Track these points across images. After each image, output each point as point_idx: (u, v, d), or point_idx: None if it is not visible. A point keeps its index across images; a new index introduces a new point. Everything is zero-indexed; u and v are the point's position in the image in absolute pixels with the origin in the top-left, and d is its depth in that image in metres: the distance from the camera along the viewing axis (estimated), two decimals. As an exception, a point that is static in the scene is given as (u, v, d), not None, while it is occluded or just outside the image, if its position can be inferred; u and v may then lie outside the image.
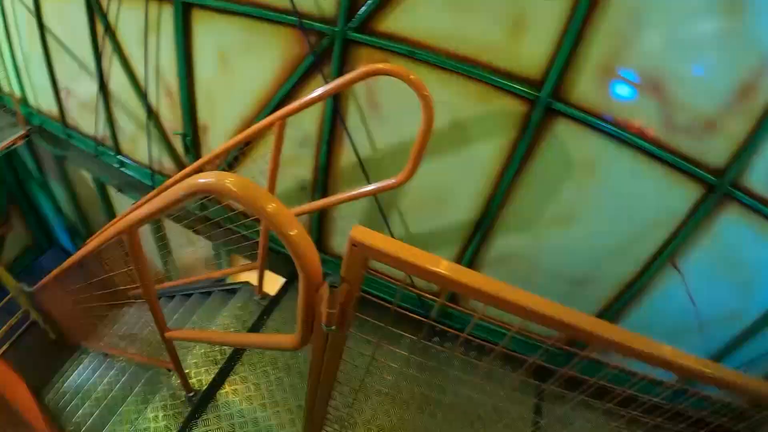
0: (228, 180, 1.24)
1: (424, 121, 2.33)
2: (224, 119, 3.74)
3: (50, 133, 6.12)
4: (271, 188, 3.08)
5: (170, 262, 5.70)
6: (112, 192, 5.69)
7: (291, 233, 1.18)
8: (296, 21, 2.92)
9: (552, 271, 3.20)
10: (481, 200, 3.06)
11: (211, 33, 3.40)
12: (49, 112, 5.99)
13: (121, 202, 5.84)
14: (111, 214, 6.16)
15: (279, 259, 4.05)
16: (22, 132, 6.29)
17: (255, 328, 3.68)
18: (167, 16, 3.54)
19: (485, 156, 2.88)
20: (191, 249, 4.97)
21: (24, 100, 6.42)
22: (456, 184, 3.10)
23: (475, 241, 3.23)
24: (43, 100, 5.95)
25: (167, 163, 4.46)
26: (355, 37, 2.83)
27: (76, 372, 6.28)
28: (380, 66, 2.36)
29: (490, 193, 3.01)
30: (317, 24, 2.91)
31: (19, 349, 8.48)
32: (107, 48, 4.24)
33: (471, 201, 3.10)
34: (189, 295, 5.18)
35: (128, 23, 3.87)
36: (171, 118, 4.09)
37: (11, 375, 6.58)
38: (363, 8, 2.73)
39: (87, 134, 5.41)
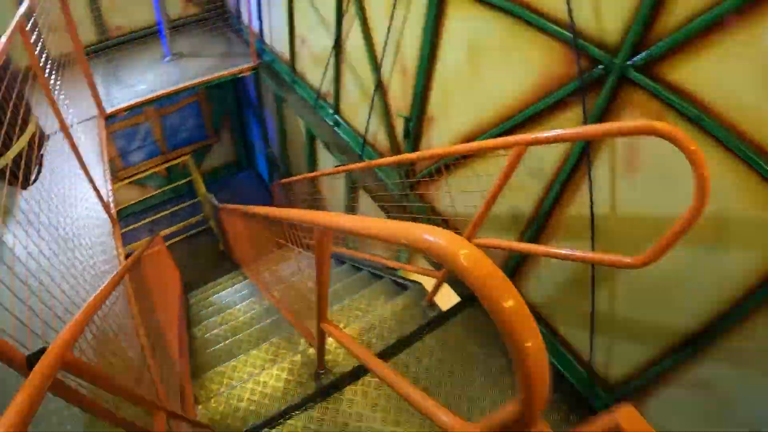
0: (462, 252, 0.91)
1: (694, 207, 1.84)
2: (455, 117, 3.39)
3: (277, 73, 6.33)
4: (483, 214, 2.77)
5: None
6: (319, 145, 5.74)
7: (527, 344, 0.84)
8: (570, 38, 2.42)
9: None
10: (713, 312, 2.34)
11: (467, 22, 3.02)
12: (280, 54, 6.17)
13: (324, 157, 5.89)
14: (312, 163, 6.29)
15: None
16: (251, 64, 6.60)
17: (409, 339, 3.41)
18: (421, -9, 3.24)
19: (742, 265, 2.16)
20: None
21: (260, 36, 6.71)
22: (692, 282, 2.40)
23: (680, 355, 2.52)
24: (277, 41, 6.14)
25: (381, 139, 4.29)
26: (634, 77, 2.25)
27: (226, 291, 6.64)
28: (661, 126, 1.81)
29: (727, 309, 2.28)
30: (593, 48, 2.38)
31: (190, 246, 9.49)
32: (351, 8, 4.07)
33: (700, 308, 2.39)
34: (359, 269, 5.11)
35: (379, -10, 3.68)
36: (399, 96, 3.84)
37: (170, 262, 7.28)
38: (654, 47, 2.13)
39: (311, 85, 5.46)
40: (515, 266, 3.32)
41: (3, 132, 2.07)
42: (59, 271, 2.57)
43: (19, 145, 2.75)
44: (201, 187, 8.03)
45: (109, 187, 4.46)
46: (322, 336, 2.81)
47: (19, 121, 2.69)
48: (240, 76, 6.72)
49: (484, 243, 2.88)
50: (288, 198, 7.42)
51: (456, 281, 3.85)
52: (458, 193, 3.32)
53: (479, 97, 3.12)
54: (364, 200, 4.84)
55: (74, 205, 3.41)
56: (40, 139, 3.03)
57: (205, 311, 6.07)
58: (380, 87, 4.00)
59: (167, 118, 9.36)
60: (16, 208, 1.85)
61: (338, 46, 4.50)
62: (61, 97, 4.11)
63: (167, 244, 9.34)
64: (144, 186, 10.04)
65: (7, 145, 2.68)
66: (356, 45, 4.22)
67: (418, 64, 3.48)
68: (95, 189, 3.69)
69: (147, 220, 9.41)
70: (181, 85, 6.39)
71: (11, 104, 2.31)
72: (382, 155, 4.39)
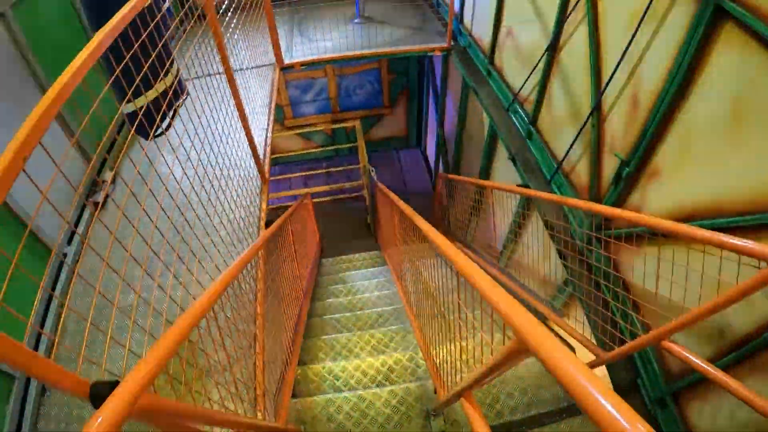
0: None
1: None
2: (688, 181, 2.53)
3: (470, 60, 5.72)
4: (692, 321, 2.06)
5: (511, 245, 4.98)
6: (501, 151, 5.07)
7: None
8: None
9: None
10: None
11: (739, 66, 2.12)
12: (478, 40, 5.53)
13: (502, 166, 5.20)
14: (487, 166, 5.64)
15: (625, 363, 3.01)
16: (444, 45, 6.06)
17: (541, 418, 2.92)
18: (683, 11, 2.39)
19: None
20: (539, 256, 4.09)
21: (459, 17, 6.11)
22: None
23: None
24: (479, 25, 5.50)
25: (581, 173, 3.52)
26: None
27: (361, 273, 6.31)
28: None
29: None
30: None
31: (338, 209, 9.41)
32: (579, 11, 3.31)
33: None
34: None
35: (621, -2, 2.88)
36: (619, 131, 3.04)
37: (313, 226, 7.11)
38: None
39: (509, 83, 4.78)
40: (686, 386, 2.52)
41: (141, 75, 1.77)
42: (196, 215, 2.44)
43: (154, 92, 2.51)
44: (363, 156, 7.77)
45: (268, 142, 4.23)
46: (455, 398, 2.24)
47: (161, 67, 2.42)
48: (429, 54, 6.22)
49: (677, 352, 2.19)
50: (449, 193, 6.92)
51: (616, 366, 3.10)
52: (664, 273, 2.51)
53: (733, 168, 2.23)
54: (536, 226, 4.11)
55: (225, 152, 3.20)
56: (176, 92, 2.78)
57: (333, 283, 5.94)
58: (598, 113, 3.21)
59: (345, 79, 9.24)
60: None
61: (553, 49, 3.75)
62: (235, 38, 3.99)
63: (316, 201, 9.40)
64: (308, 139, 10.13)
65: (141, 90, 2.45)
66: (576, 54, 3.45)
67: (656, 99, 2.65)
68: (250, 142, 3.43)
69: (301, 174, 9.49)
70: (366, 51, 6.05)
71: (158, 46, 2.01)
72: (575, 191, 3.63)
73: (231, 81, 3.00)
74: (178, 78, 2.85)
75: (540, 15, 3.97)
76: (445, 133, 8.26)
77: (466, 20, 5.94)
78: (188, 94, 2.91)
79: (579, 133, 3.41)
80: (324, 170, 9.49)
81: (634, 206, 2.98)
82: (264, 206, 3.67)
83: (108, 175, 3.95)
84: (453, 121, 7.35)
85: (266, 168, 3.90)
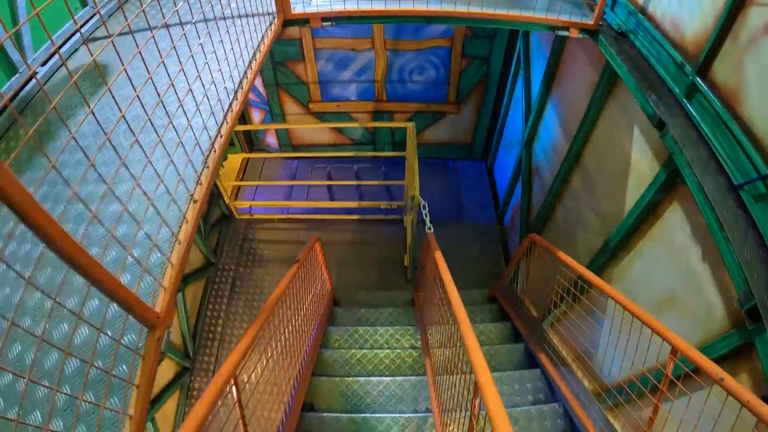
0: None
1: None
2: None
3: (637, 56, 3.03)
4: None
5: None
6: (658, 247, 2.45)
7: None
8: None
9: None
10: None
11: None
12: (667, 25, 2.82)
13: (642, 274, 2.56)
14: (611, 256, 3.01)
15: None
16: (587, 21, 3.35)
17: None
18: None
19: None
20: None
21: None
22: None
23: None
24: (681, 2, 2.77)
25: None
26: None
27: (378, 332, 4.63)
28: None
29: None
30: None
31: (368, 234, 6.87)
32: None
33: None
34: None
35: None
36: None
37: (324, 273, 4.97)
38: None
39: (747, 122, 2.10)
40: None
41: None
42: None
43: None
44: (414, 171, 4.90)
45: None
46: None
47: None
48: (557, 32, 3.51)
49: None
50: (526, 262, 4.38)
51: None
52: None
53: None
54: None
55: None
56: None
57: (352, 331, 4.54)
58: None
59: (399, 57, 6.50)
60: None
61: None
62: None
63: (338, 218, 6.85)
64: (339, 132, 7.51)
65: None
66: None
67: None
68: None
69: (321, 183, 6.91)
70: (437, 8, 3.39)
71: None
72: None
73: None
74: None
75: None
76: (533, 161, 5.56)
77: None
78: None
79: None
80: (354, 181, 6.91)
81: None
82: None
83: None
84: (557, 146, 4.70)
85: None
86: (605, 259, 3.64)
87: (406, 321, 5.10)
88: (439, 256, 3.35)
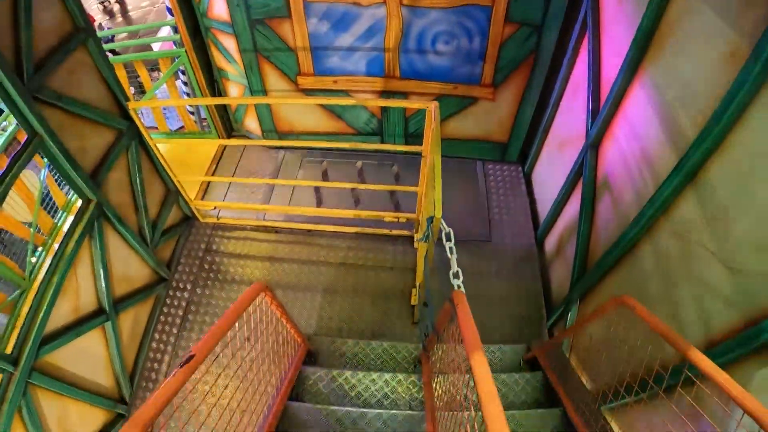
0: None
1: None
2: None
3: None
4: None
5: None
6: None
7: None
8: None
9: None
10: None
11: None
12: None
13: None
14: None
15: None
16: None
17: None
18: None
19: None
20: None
21: None
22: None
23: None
24: None
25: None
26: None
27: (376, 385, 3.62)
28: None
29: None
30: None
31: (363, 253, 5.11)
32: None
33: None
34: None
35: None
36: None
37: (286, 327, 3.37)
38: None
39: None
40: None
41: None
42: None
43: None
44: (435, 192, 3.08)
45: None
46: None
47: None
48: None
49: None
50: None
51: None
52: None
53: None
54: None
55: None
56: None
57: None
58: None
59: (419, 16, 4.76)
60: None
61: None
62: None
63: (331, 229, 5.24)
64: (337, 118, 5.83)
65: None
66: None
67: None
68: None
69: (309, 182, 5.26)
70: None
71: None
72: None
73: None
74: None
75: None
76: (602, 170, 3.85)
77: None
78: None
79: None
80: (348, 184, 5.25)
81: None
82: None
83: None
84: (651, 153, 3.01)
85: None
86: (745, 350, 2.05)
87: (408, 395, 3.51)
88: (474, 340, 1.78)
